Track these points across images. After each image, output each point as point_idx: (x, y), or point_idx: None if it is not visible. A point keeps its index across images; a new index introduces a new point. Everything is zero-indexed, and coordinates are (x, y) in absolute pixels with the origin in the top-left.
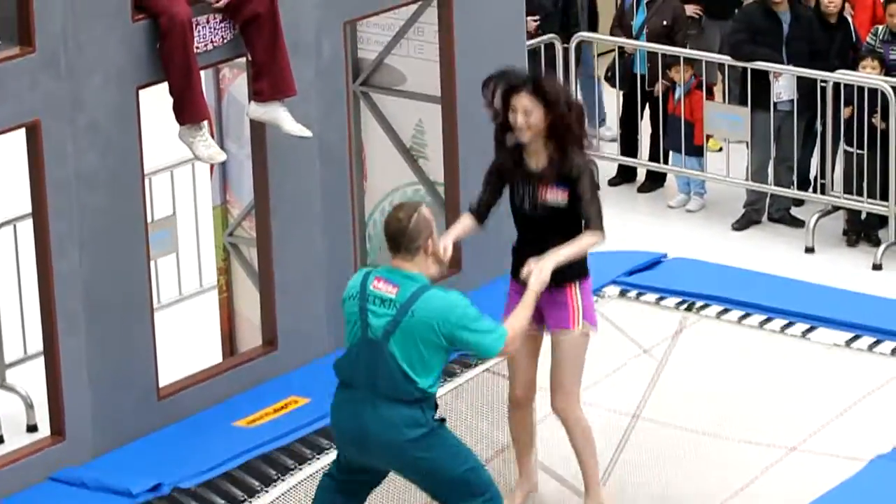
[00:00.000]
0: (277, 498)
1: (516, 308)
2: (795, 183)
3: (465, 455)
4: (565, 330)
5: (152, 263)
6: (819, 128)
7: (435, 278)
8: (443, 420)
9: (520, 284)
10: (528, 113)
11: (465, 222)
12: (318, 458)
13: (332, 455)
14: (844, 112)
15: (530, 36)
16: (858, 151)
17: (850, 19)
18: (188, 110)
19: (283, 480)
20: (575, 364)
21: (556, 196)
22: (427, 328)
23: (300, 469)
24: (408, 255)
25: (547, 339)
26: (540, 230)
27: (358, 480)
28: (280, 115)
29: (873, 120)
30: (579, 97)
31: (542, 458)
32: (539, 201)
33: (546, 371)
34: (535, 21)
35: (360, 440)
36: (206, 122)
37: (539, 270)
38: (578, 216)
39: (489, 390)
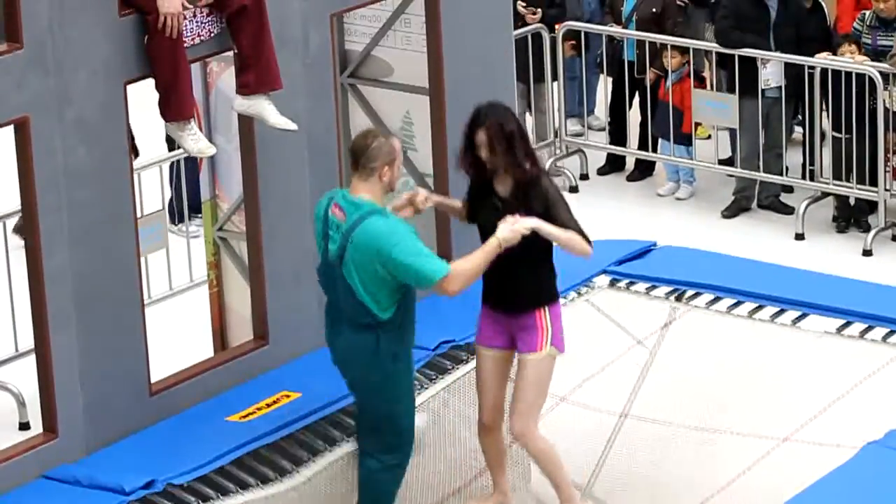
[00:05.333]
0: (272, 493)
1: (475, 251)
2: (785, 169)
3: (406, 405)
4: (532, 352)
5: (142, 259)
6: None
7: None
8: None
9: (490, 310)
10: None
11: (456, 203)
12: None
13: (325, 456)
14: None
15: (522, 24)
16: (846, 136)
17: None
18: (173, 108)
19: (278, 475)
20: (537, 386)
21: None
22: (365, 256)
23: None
24: (364, 174)
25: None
26: (508, 256)
27: None
28: (265, 109)
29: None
30: (564, 87)
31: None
32: None
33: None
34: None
35: (333, 355)
36: (193, 117)
37: (513, 221)
38: (545, 243)
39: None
